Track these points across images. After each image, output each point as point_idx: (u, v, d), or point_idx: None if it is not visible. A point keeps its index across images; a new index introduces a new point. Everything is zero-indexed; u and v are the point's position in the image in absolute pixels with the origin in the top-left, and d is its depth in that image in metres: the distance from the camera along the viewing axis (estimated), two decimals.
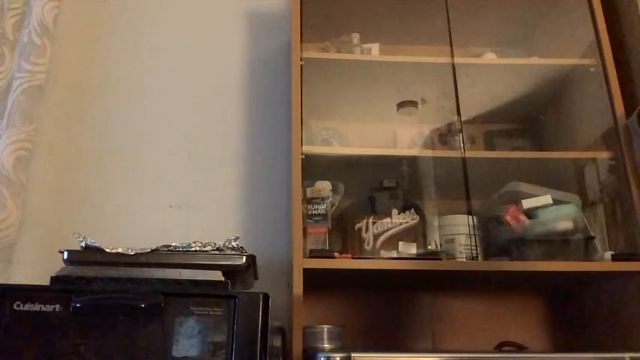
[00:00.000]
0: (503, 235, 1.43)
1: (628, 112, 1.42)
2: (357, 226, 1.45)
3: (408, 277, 1.44)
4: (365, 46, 1.62)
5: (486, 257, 1.40)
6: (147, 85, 1.78)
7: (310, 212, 1.38)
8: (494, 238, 1.44)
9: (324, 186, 1.41)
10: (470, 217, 1.41)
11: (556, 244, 1.40)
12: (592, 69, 1.52)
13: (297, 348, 1.19)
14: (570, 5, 1.63)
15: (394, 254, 1.39)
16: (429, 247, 1.46)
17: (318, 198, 1.39)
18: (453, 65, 1.52)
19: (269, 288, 1.12)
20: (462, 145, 1.46)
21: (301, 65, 1.45)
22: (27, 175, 1.55)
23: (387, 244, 1.42)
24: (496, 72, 1.62)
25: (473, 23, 1.71)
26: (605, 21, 1.52)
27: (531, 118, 1.79)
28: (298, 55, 1.46)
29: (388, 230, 1.44)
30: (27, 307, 1.01)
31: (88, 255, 1.15)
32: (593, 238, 1.40)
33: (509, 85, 1.66)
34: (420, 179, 1.61)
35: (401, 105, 1.68)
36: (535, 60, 1.63)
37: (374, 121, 1.77)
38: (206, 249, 1.18)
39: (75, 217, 1.61)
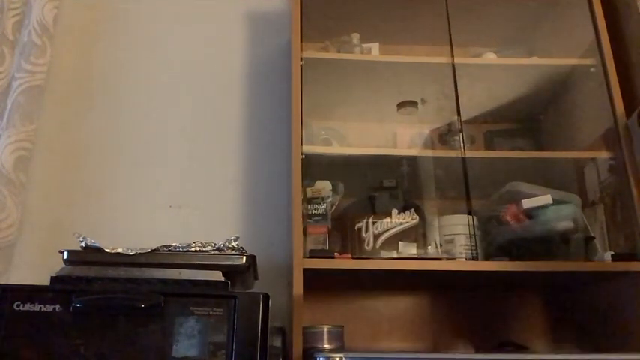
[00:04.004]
0: (504, 235, 1.43)
1: (628, 112, 1.42)
2: (357, 226, 1.45)
3: (408, 277, 1.44)
4: (365, 46, 1.62)
5: (486, 257, 1.40)
6: (147, 85, 1.78)
7: (310, 212, 1.38)
8: (494, 238, 1.44)
9: (324, 186, 1.41)
10: (470, 217, 1.41)
11: (556, 244, 1.40)
12: (592, 69, 1.52)
13: (297, 348, 1.19)
14: (570, 5, 1.63)
15: (394, 254, 1.39)
16: (429, 247, 1.46)
17: (318, 198, 1.39)
18: (453, 65, 1.52)
19: (269, 288, 1.11)
20: (462, 145, 1.46)
21: (301, 65, 1.45)
22: (27, 175, 1.55)
23: (387, 244, 1.42)
24: (496, 72, 1.62)
25: (473, 23, 1.70)
26: (605, 21, 1.52)
27: (531, 118, 1.79)
28: (298, 55, 1.46)
29: (388, 230, 1.43)
30: (27, 307, 1.01)
31: (88, 255, 1.15)
32: (593, 238, 1.40)
33: (509, 85, 1.66)
34: (420, 179, 1.60)
35: (401, 105, 1.68)
36: (535, 60, 1.63)
37: (374, 121, 1.77)
38: (206, 249, 1.18)
39: (75, 217, 1.61)
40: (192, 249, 1.17)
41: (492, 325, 1.59)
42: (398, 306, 1.60)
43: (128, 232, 1.58)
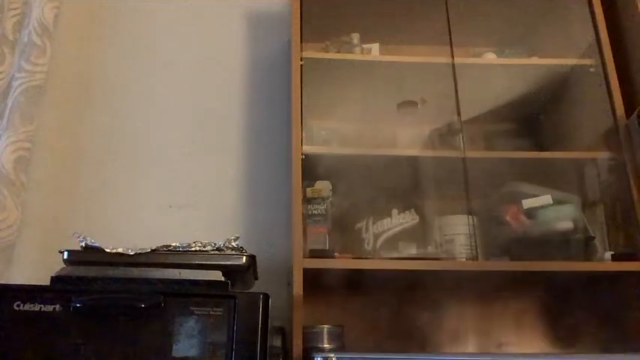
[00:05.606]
0: (503, 235, 1.43)
1: (628, 112, 1.42)
2: (357, 226, 1.45)
3: (408, 277, 1.44)
4: (365, 46, 1.62)
5: (486, 257, 1.40)
6: (147, 85, 1.78)
7: (310, 212, 1.38)
8: (494, 238, 1.44)
9: (324, 186, 1.41)
10: (470, 217, 1.41)
11: (556, 244, 1.40)
12: (592, 69, 1.52)
13: (297, 348, 1.19)
14: (570, 5, 1.63)
15: (394, 254, 1.39)
16: (429, 247, 1.46)
17: (318, 198, 1.39)
18: (453, 65, 1.52)
19: (269, 288, 1.11)
20: (462, 145, 1.46)
21: (301, 65, 1.45)
22: (27, 175, 1.54)
23: (387, 244, 1.42)
24: (496, 72, 1.62)
25: (473, 23, 1.70)
26: (605, 21, 1.52)
27: (531, 118, 1.79)
28: (298, 55, 1.46)
29: (388, 230, 1.44)
30: (27, 307, 1.01)
31: (88, 255, 1.15)
32: (593, 238, 1.40)
33: (509, 85, 1.66)
34: (420, 179, 1.60)
35: (401, 105, 1.68)
36: (535, 60, 1.63)
37: (374, 121, 1.77)
38: (206, 249, 1.18)
39: (75, 217, 1.61)
40: (192, 249, 1.17)
41: (492, 326, 1.59)
42: (399, 306, 1.60)
43: (128, 232, 1.58)
